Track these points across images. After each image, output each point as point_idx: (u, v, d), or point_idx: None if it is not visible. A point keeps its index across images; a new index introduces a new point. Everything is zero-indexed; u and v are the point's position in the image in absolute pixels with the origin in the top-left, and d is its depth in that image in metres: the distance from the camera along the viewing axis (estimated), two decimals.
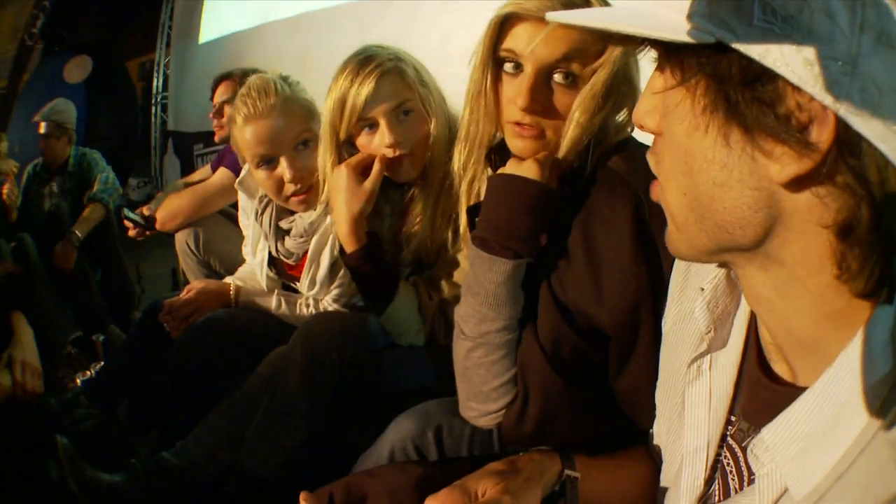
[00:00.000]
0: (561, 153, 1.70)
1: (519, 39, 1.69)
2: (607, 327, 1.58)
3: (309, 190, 2.58)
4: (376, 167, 2.26)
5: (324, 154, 2.33)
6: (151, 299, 3.35)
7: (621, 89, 1.70)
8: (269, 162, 2.54)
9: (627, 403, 1.64)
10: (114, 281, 5.37)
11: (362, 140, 2.29)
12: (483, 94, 1.80)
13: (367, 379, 2.31)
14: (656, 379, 1.38)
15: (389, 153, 2.25)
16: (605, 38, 1.08)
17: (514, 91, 1.71)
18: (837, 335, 0.84)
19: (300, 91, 2.62)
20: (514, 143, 1.76)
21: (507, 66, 1.74)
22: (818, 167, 0.75)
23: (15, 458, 2.61)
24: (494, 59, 1.76)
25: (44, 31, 9.26)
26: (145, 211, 3.98)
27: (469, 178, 1.97)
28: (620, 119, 1.74)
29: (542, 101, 1.69)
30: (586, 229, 1.61)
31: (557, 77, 1.69)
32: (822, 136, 0.73)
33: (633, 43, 0.92)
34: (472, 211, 1.86)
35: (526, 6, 1.66)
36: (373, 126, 2.26)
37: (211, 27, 8.28)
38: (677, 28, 0.78)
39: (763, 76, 0.75)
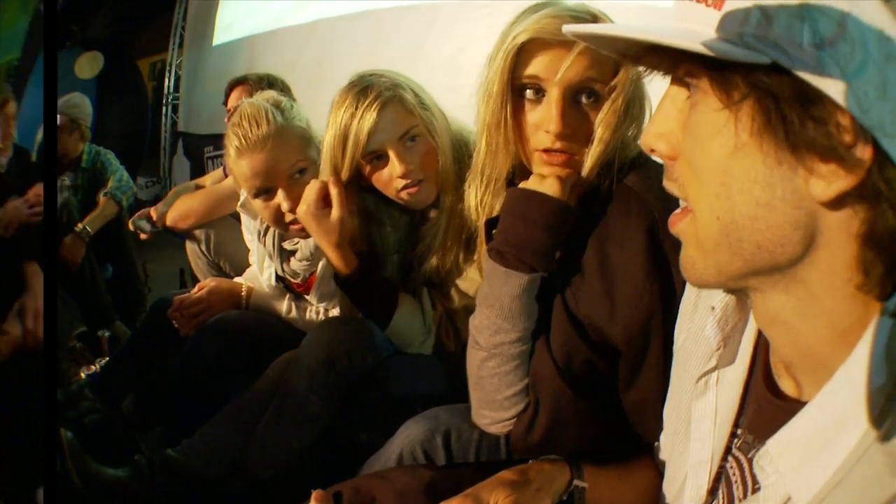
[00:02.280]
0: (585, 172, 1.71)
1: (541, 64, 1.68)
2: (619, 341, 1.60)
3: None
4: (332, 192, 2.21)
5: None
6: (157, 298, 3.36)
7: (636, 104, 1.72)
8: (266, 192, 2.48)
9: (635, 416, 1.66)
10: (123, 279, 5.35)
11: (372, 173, 2.27)
12: (502, 126, 1.77)
13: (376, 384, 2.31)
14: (664, 393, 1.39)
15: (401, 184, 2.22)
16: (635, 58, 1.00)
17: (542, 117, 1.70)
18: (845, 351, 0.86)
19: (294, 118, 2.52)
20: (544, 172, 1.75)
21: (529, 93, 1.72)
22: (863, 182, 0.78)
23: (26, 409, 2.63)
24: (512, 87, 1.74)
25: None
26: (152, 213, 3.98)
27: (488, 212, 1.93)
28: (631, 134, 1.74)
29: (571, 125, 1.68)
30: (601, 246, 1.62)
31: (584, 98, 1.69)
32: (864, 153, 0.76)
33: (664, 63, 0.94)
34: (490, 224, 1.87)
35: (547, 29, 1.65)
36: (381, 157, 2.23)
37: (225, 30, 8.24)
38: (724, 46, 0.80)
39: (816, 97, 0.77)
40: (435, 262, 2.36)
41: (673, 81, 0.98)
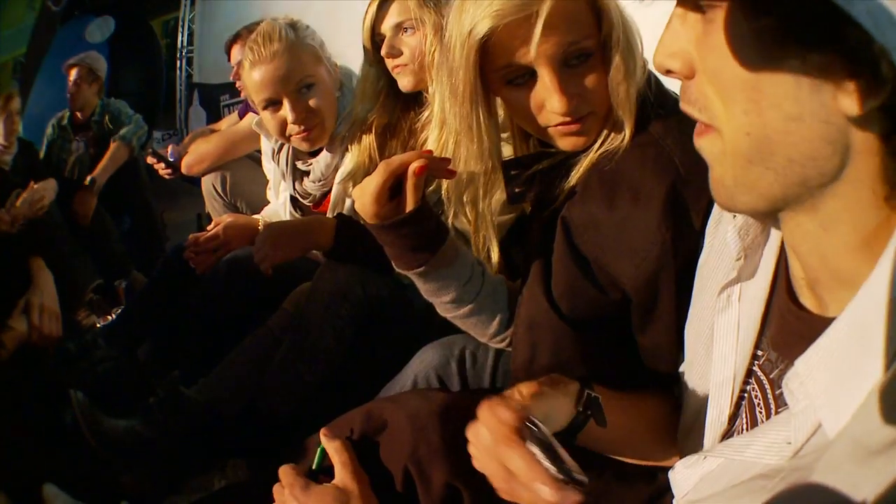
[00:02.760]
0: (627, 135, 1.60)
1: (516, 49, 1.53)
2: (628, 288, 1.55)
3: (311, 129, 2.65)
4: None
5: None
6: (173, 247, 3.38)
7: (628, 19, 1.60)
8: (273, 104, 2.61)
9: (649, 356, 1.61)
10: (142, 229, 5.35)
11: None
12: (477, 128, 1.68)
13: (391, 314, 2.33)
14: (678, 337, 1.40)
15: (392, 64, 2.47)
16: None
17: (541, 98, 1.58)
18: (871, 266, 0.85)
19: (307, 36, 2.67)
20: (566, 143, 1.65)
21: (517, 80, 1.59)
22: (891, 97, 0.77)
23: (29, 405, 2.65)
24: (489, 80, 1.63)
25: None
26: (168, 150, 4.03)
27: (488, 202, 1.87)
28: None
29: (575, 92, 1.56)
30: (612, 192, 1.56)
31: (575, 61, 1.55)
32: (890, 71, 0.76)
33: None
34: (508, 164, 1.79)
35: (506, 10, 1.49)
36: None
37: None
38: None
39: (842, 16, 0.74)
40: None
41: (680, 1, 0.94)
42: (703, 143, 0.95)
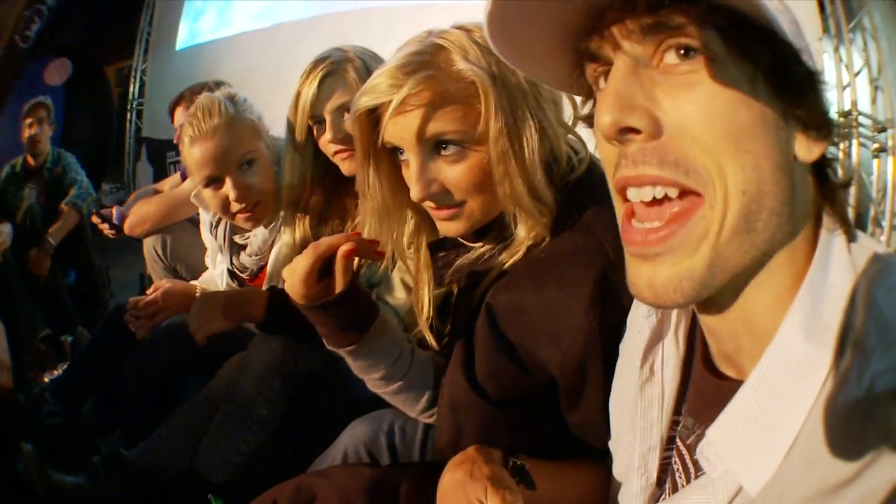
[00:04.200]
0: (520, 225, 1.60)
1: (391, 127, 1.56)
2: (555, 373, 1.54)
3: (255, 208, 2.60)
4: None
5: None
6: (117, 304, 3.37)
7: (527, 109, 1.55)
8: (215, 181, 2.55)
9: (579, 432, 1.61)
10: (86, 284, 5.38)
11: (318, 136, 2.43)
12: (369, 189, 1.72)
13: (323, 387, 2.34)
14: (606, 413, 1.38)
15: (333, 149, 2.38)
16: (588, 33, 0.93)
17: (408, 180, 1.61)
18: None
19: (246, 110, 2.62)
20: (441, 227, 1.68)
21: (399, 157, 1.63)
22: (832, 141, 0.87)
23: None
24: (382, 150, 1.65)
25: (39, 35, 9.12)
26: (112, 211, 4.00)
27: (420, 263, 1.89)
28: (552, 134, 1.58)
29: (431, 177, 1.57)
30: (539, 280, 1.55)
31: (442, 151, 1.56)
32: (825, 120, 0.86)
33: (637, 33, 0.87)
34: (433, 247, 1.81)
35: (377, 92, 1.55)
36: (321, 122, 2.38)
37: (188, 35, 8.26)
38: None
39: (812, 71, 0.83)
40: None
41: (620, 56, 0.90)
42: (683, 230, 0.89)
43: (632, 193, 0.92)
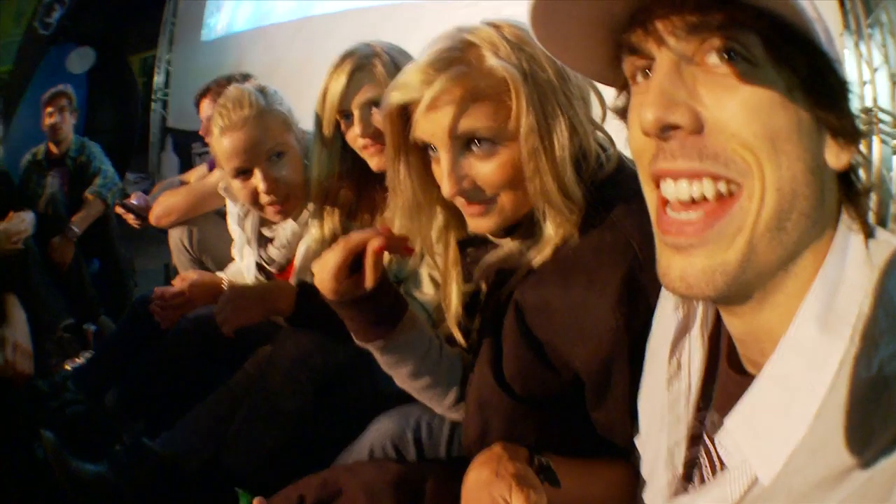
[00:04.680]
0: (552, 232, 1.61)
1: (422, 124, 1.59)
2: (581, 371, 1.56)
3: (285, 200, 2.61)
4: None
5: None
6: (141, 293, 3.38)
7: (557, 106, 1.56)
8: (244, 172, 2.56)
9: (604, 430, 1.61)
10: (110, 273, 5.39)
11: (345, 130, 2.43)
12: (399, 185, 1.75)
13: (350, 381, 2.33)
14: (633, 411, 1.41)
15: (361, 143, 2.37)
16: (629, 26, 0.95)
17: (440, 177, 1.64)
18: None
19: (276, 102, 2.63)
20: (471, 224, 1.70)
21: (431, 153, 1.66)
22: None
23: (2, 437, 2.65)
24: (413, 146, 1.68)
25: (60, 22, 9.08)
26: (133, 199, 4.05)
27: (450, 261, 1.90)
28: (581, 132, 1.60)
29: (471, 177, 1.59)
30: (567, 277, 1.56)
31: (474, 146, 1.58)
32: (854, 128, 0.88)
33: (678, 29, 0.89)
34: (462, 244, 1.85)
35: (410, 87, 1.58)
36: (349, 116, 2.38)
37: (213, 26, 8.23)
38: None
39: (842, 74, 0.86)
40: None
41: (664, 52, 0.92)
42: (719, 223, 0.90)
43: (668, 189, 0.94)
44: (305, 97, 2.68)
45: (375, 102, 2.29)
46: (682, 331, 1.18)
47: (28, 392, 2.98)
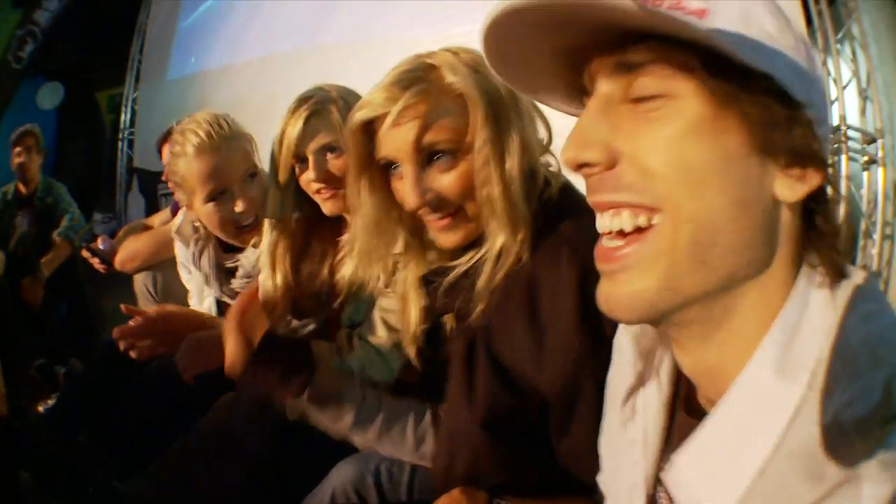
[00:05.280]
0: (499, 236, 1.67)
1: (382, 143, 1.72)
2: (546, 392, 1.58)
3: (257, 223, 2.65)
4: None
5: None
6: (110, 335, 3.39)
7: (510, 122, 1.67)
8: (220, 194, 2.60)
9: (570, 461, 1.62)
10: (78, 315, 5.39)
11: (299, 175, 2.42)
12: (360, 204, 1.84)
13: (311, 426, 2.27)
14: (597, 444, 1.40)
15: (315, 187, 2.38)
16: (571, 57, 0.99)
17: (402, 191, 1.73)
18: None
19: (241, 127, 2.70)
20: (440, 239, 1.79)
21: (393, 171, 1.76)
22: (825, 180, 0.89)
23: None
24: (376, 166, 1.80)
25: (32, 56, 9.01)
26: (99, 244, 4.04)
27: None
28: (530, 150, 1.71)
29: (425, 186, 1.70)
30: (531, 296, 1.61)
31: (434, 160, 1.70)
32: (827, 157, 0.87)
33: (611, 66, 0.93)
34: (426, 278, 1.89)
35: (374, 105, 1.69)
36: (304, 161, 2.38)
37: (179, 64, 8.20)
38: (744, 41, 0.86)
39: (800, 107, 0.86)
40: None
41: (596, 91, 0.96)
42: (637, 249, 0.93)
43: (599, 221, 0.98)
44: (269, 135, 2.68)
45: (330, 148, 2.33)
46: (639, 382, 1.18)
47: (3, 433, 2.98)
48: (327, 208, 2.40)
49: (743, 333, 0.94)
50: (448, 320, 1.93)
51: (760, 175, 0.89)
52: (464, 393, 1.70)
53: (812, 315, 0.90)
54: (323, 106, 2.37)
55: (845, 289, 0.91)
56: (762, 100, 0.86)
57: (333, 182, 2.34)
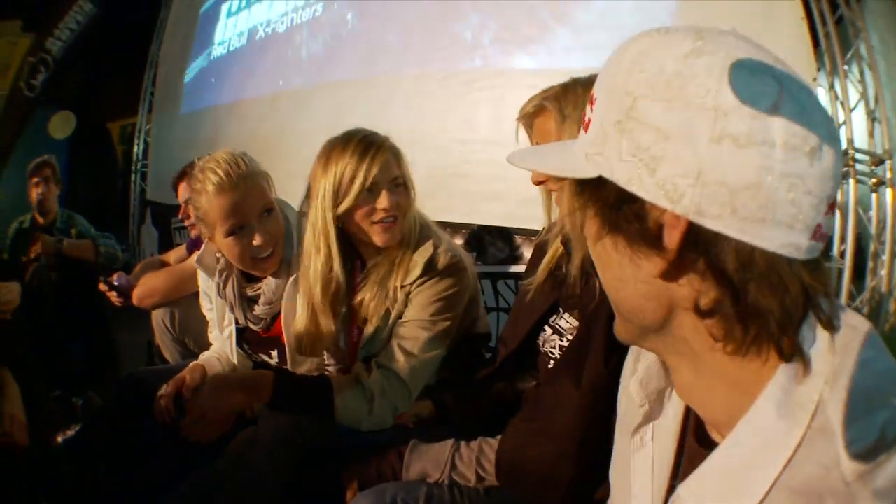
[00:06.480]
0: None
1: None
2: None
3: (273, 254, 2.80)
4: None
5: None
6: (127, 371, 3.47)
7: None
8: (241, 228, 2.72)
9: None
10: (99, 348, 5.43)
11: (359, 207, 2.56)
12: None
13: (330, 463, 2.41)
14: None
15: (380, 216, 2.55)
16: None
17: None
18: (749, 403, 0.96)
19: (258, 165, 2.82)
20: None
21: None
22: (673, 263, 0.93)
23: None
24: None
25: (45, 85, 9.00)
26: (114, 279, 4.11)
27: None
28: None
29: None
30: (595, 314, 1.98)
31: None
32: (672, 239, 0.91)
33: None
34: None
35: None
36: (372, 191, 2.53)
37: (192, 99, 8.28)
38: (575, 166, 1.00)
39: (630, 198, 0.94)
40: (376, 303, 2.61)
41: None
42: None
43: None
44: (279, 169, 2.91)
45: (399, 180, 2.61)
46: (647, 419, 1.23)
47: (25, 462, 3.06)
48: (385, 238, 2.57)
49: (726, 391, 1.00)
50: None
51: (630, 256, 0.98)
52: (572, 390, 2.01)
53: (813, 360, 0.94)
54: (393, 144, 2.59)
55: (846, 335, 0.95)
56: (602, 199, 0.98)
57: (399, 211, 2.56)
